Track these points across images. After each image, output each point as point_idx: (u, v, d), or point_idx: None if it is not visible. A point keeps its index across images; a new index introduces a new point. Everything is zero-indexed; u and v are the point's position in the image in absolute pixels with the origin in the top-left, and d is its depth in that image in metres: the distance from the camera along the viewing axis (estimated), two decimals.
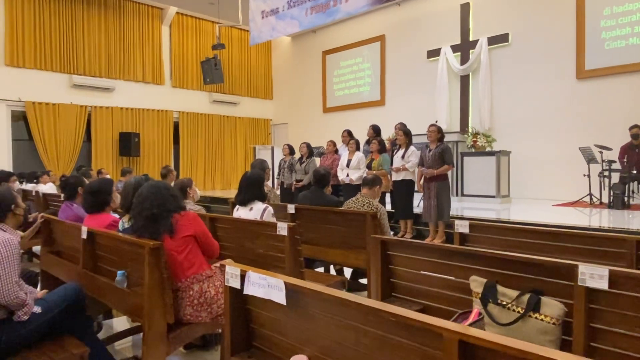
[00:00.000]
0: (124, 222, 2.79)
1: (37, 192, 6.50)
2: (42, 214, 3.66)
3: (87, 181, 3.88)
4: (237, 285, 1.59)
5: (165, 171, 7.50)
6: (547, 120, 8.60)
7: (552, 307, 1.64)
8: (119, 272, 2.46)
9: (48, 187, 7.26)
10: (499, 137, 8.69)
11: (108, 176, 8.53)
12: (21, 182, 7.81)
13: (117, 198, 3.23)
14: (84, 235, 2.79)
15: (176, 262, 2.41)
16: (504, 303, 1.77)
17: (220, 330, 2.67)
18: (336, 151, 7.26)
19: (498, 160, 7.82)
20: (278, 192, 7.67)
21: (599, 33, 8.00)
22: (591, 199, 7.22)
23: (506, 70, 9.16)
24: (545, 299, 1.68)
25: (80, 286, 2.49)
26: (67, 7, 10.33)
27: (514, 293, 1.76)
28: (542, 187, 8.45)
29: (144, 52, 11.57)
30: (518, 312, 1.71)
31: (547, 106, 8.61)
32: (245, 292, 1.56)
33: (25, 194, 6.79)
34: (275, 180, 8.04)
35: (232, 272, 1.61)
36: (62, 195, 4.27)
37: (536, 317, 1.65)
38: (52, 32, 10.11)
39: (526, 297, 1.71)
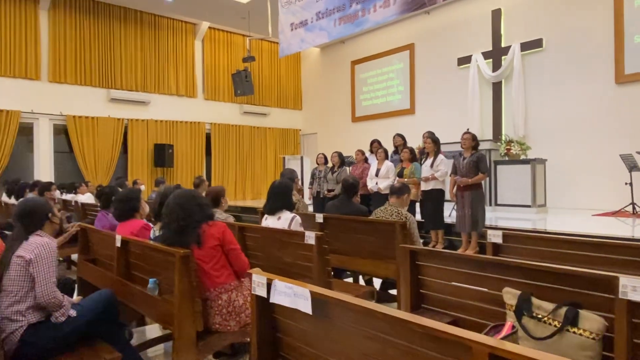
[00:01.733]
0: (155, 231, 2.86)
1: (76, 201, 6.76)
2: (78, 223, 3.79)
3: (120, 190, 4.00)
4: (264, 294, 1.59)
5: (198, 181, 7.66)
6: (584, 126, 8.29)
7: (591, 321, 1.56)
8: (151, 280, 2.51)
9: (86, 197, 7.53)
10: (533, 144, 8.43)
11: (143, 186, 8.80)
12: (61, 192, 8.15)
13: (145, 207, 3.32)
14: (118, 244, 2.87)
15: (204, 272, 2.43)
16: (540, 316, 1.69)
17: (248, 340, 2.68)
18: (365, 160, 7.24)
19: (533, 168, 7.57)
20: (311, 201, 7.70)
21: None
22: (634, 208, 6.88)
23: (540, 76, 8.91)
24: (584, 313, 1.60)
25: (113, 293, 2.56)
26: (105, 25, 10.79)
27: (550, 306, 1.69)
28: (581, 196, 8.12)
29: (177, 67, 11.94)
30: (555, 325, 1.64)
31: (585, 112, 8.30)
32: (271, 300, 1.56)
33: (65, 203, 7.07)
34: (308, 190, 8.06)
35: (258, 281, 1.61)
36: (99, 204, 4.42)
37: (574, 332, 1.57)
38: (91, 49, 10.58)
39: (563, 310, 1.63)
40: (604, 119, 8.05)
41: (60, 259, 5.40)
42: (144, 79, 11.36)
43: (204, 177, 12.22)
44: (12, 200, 6.84)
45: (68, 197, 7.85)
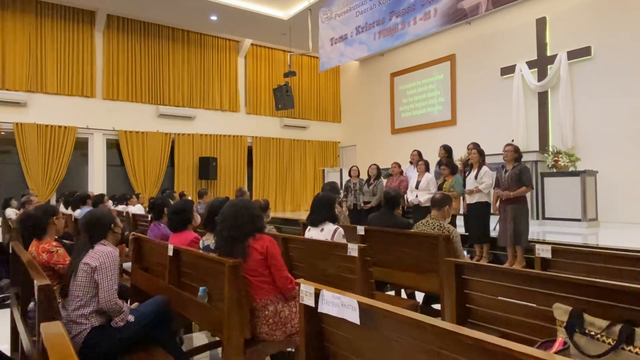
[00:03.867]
0: (204, 241, 2.98)
1: (127, 212, 7.10)
2: (132, 232, 4.00)
3: (171, 202, 4.19)
4: (312, 304, 1.64)
5: (239, 193, 7.87)
6: (638, 137, 7.89)
7: None
8: (201, 288, 2.61)
9: (136, 209, 7.90)
10: (583, 156, 8.11)
11: (189, 198, 9.11)
12: (114, 204, 8.58)
13: (197, 217, 3.46)
14: (170, 253, 3.01)
15: (250, 284, 2.49)
16: (593, 333, 1.65)
17: (293, 349, 2.73)
18: (401, 172, 7.19)
19: (583, 180, 7.27)
20: (347, 213, 7.72)
21: None
22: None
23: (589, 85, 8.59)
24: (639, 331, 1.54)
25: (168, 299, 2.69)
26: (155, 45, 11.38)
27: (603, 323, 1.64)
28: (635, 209, 7.70)
29: (221, 82, 12.38)
30: (609, 343, 1.59)
31: (637, 122, 7.91)
32: (319, 310, 1.60)
33: (117, 214, 7.44)
34: (343, 202, 8.08)
35: (306, 290, 1.66)
36: (150, 215, 4.64)
37: (630, 350, 1.52)
38: (142, 67, 11.17)
39: (618, 327, 1.59)
40: None
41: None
42: (190, 95, 11.86)
43: (246, 188, 12.54)
44: (69, 211, 7.27)
45: (119, 208, 8.25)
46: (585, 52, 8.61)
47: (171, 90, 11.58)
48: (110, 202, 7.93)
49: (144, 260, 3.75)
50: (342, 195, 8.44)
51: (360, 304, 1.46)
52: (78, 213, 6.63)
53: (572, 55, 8.75)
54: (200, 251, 2.88)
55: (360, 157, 13.40)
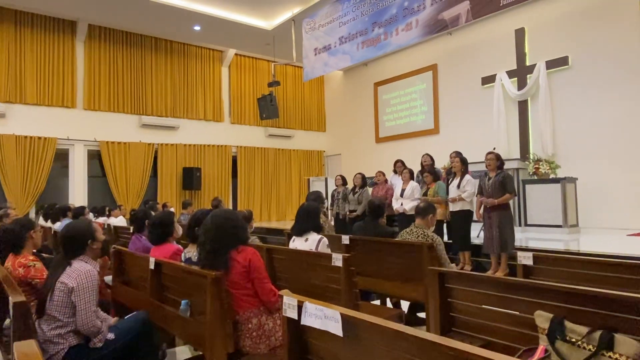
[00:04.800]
0: (185, 253, 2.93)
1: (108, 224, 6.98)
2: (113, 245, 3.93)
3: (153, 214, 4.13)
4: (295, 316, 1.62)
5: (216, 202, 7.81)
6: (615, 144, 8.09)
7: (627, 345, 1.52)
8: (183, 302, 2.57)
9: (118, 220, 7.77)
10: (563, 163, 8.27)
11: (172, 209, 9.01)
12: (94, 216, 8.42)
13: (178, 229, 3.42)
14: (152, 266, 2.96)
15: (233, 297, 2.45)
16: (574, 340, 1.66)
17: None
18: (386, 180, 7.23)
19: (564, 187, 7.41)
20: (332, 222, 7.72)
21: None
22: None
23: (568, 93, 8.79)
24: (619, 337, 1.56)
25: (149, 315, 2.63)
26: (137, 55, 11.30)
27: (583, 329, 1.66)
28: (615, 215, 7.87)
29: (205, 92, 12.33)
30: (589, 350, 1.60)
31: (615, 129, 8.11)
32: (302, 322, 1.59)
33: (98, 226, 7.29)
34: (328, 212, 8.09)
35: (289, 303, 1.65)
36: (132, 228, 4.56)
37: (610, 356, 1.54)
38: (124, 77, 11.06)
39: (598, 334, 1.60)
40: (635, 136, 7.85)
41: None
42: (174, 105, 11.77)
43: (230, 198, 12.45)
44: (49, 224, 7.11)
45: (100, 220, 8.10)
46: (562, 61, 8.83)
47: (154, 100, 11.48)
48: (90, 215, 7.79)
49: (125, 273, 3.68)
50: (328, 204, 8.46)
51: (343, 315, 1.45)
52: (58, 226, 6.49)
53: (550, 64, 8.96)
54: (182, 264, 2.83)
55: (345, 166, 13.45)
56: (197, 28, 10.89)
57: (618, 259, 3.38)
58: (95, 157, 10.94)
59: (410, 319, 4.01)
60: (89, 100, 10.56)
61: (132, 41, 11.26)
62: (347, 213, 7.19)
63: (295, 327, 1.67)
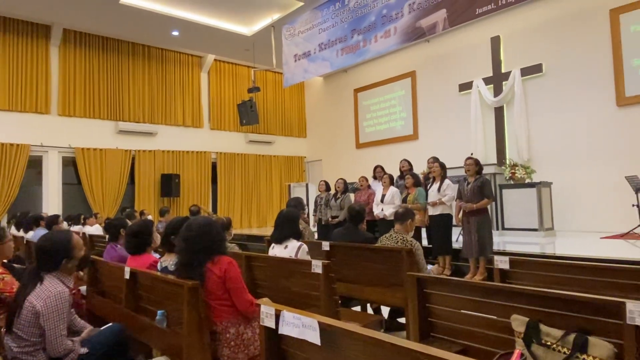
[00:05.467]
0: (162, 262, 2.88)
1: (83, 233, 6.80)
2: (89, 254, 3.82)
3: (130, 223, 4.04)
4: (272, 325, 1.60)
5: (195, 209, 7.72)
6: (588, 149, 8.32)
7: (600, 347, 1.55)
8: (159, 312, 2.51)
9: (94, 229, 7.59)
10: (538, 168, 8.45)
11: (150, 217, 8.85)
12: (69, 225, 8.21)
13: (157, 238, 3.35)
14: (127, 276, 2.89)
15: (210, 307, 2.40)
16: (549, 343, 1.69)
17: None
18: (369, 186, 7.27)
19: (539, 191, 7.57)
20: (315, 228, 7.70)
21: (638, 58, 7.80)
22: None
23: (542, 100, 9.01)
24: (593, 339, 1.59)
25: (123, 327, 2.56)
26: (114, 59, 11.11)
27: (558, 333, 1.68)
28: (589, 218, 8.07)
29: (184, 98, 12.20)
30: (564, 353, 1.63)
31: (588, 135, 8.35)
32: (280, 332, 1.57)
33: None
34: (312, 217, 8.08)
35: (266, 312, 1.62)
36: (107, 237, 4.45)
37: (584, 359, 1.57)
38: (100, 83, 10.86)
39: (572, 337, 1.63)
40: (607, 142, 8.09)
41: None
42: (151, 110, 11.61)
43: (209, 205, 12.31)
44: (21, 234, 6.90)
45: (75, 228, 7.90)
46: (537, 69, 9.05)
47: (131, 106, 11.30)
48: (65, 224, 7.59)
49: (100, 283, 3.59)
50: (311, 210, 8.43)
51: (320, 324, 1.44)
52: (31, 235, 6.31)
53: (525, 72, 9.18)
54: (158, 273, 2.78)
55: (326, 171, 13.47)
56: (175, 33, 10.78)
57: (592, 262, 3.46)
58: (70, 164, 10.69)
59: (391, 325, 4.02)
60: (63, 106, 10.32)
61: (109, 46, 11.07)
62: (330, 219, 7.19)
63: (273, 337, 1.65)
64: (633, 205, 6.87)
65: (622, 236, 6.97)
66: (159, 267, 2.98)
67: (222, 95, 12.98)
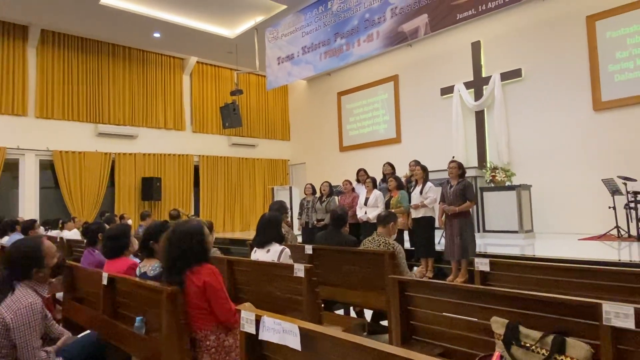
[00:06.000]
0: (140, 268, 2.82)
1: (61, 238, 6.65)
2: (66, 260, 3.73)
3: (107, 227, 3.97)
4: (253, 331, 1.58)
5: (175, 213, 7.63)
6: (566, 152, 8.50)
7: (578, 348, 1.57)
8: (138, 318, 2.47)
9: (72, 234, 7.42)
10: (518, 171, 8.60)
11: (130, 221, 8.71)
12: (46, 229, 8.02)
13: (135, 243, 3.29)
14: (105, 281, 2.83)
15: (190, 315, 2.35)
16: (528, 345, 1.70)
17: None
18: (353, 189, 7.28)
19: (519, 194, 7.69)
20: (300, 232, 7.68)
21: (613, 64, 8.01)
22: (619, 231, 6.99)
23: (521, 104, 9.18)
24: (570, 340, 1.61)
25: (99, 335, 2.50)
26: (93, 61, 10.92)
27: (537, 334, 1.70)
28: (567, 220, 8.23)
29: (165, 100, 12.05)
30: (543, 354, 1.65)
31: (566, 139, 8.53)
32: (260, 337, 1.55)
33: (50, 240, 6.94)
34: (297, 221, 8.05)
35: (247, 317, 1.60)
36: (85, 241, 4.35)
37: (562, 359, 1.59)
38: (79, 84, 10.66)
39: (550, 338, 1.65)
40: (585, 145, 8.27)
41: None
42: (132, 113, 11.44)
43: (192, 209, 12.17)
44: None
45: (52, 233, 7.72)
46: (516, 73, 9.22)
47: (111, 108, 11.11)
48: (41, 229, 7.40)
49: (77, 289, 3.50)
50: (295, 213, 8.40)
51: (301, 329, 1.42)
52: (6, 240, 6.12)
53: (505, 76, 9.34)
54: (137, 279, 2.72)
55: (310, 174, 13.46)
56: (157, 35, 10.66)
57: (570, 264, 3.51)
58: (47, 168, 10.45)
59: (374, 328, 4.02)
60: (41, 108, 10.10)
61: (88, 47, 10.88)
62: (315, 222, 7.18)
63: (253, 343, 1.63)
64: (609, 207, 7.04)
65: (599, 238, 7.13)
66: (137, 273, 2.93)
67: (205, 97, 12.87)
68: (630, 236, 6.84)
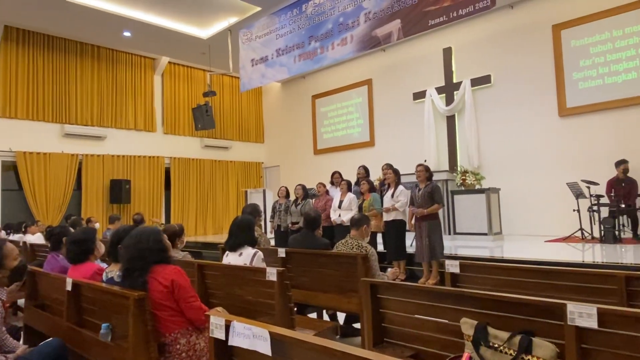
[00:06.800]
0: (107, 273, 2.74)
1: (24, 242, 6.38)
2: (29, 265, 3.58)
3: (72, 230, 3.83)
4: (222, 337, 1.55)
5: (138, 218, 7.47)
6: (533, 157, 8.76)
7: (544, 348, 1.61)
8: (103, 325, 2.39)
9: (36, 238, 7.14)
10: (487, 174, 8.79)
11: (97, 224, 8.46)
12: (8, 233, 7.70)
13: (101, 247, 3.19)
14: (69, 287, 2.73)
15: (157, 318, 2.30)
16: (496, 345, 1.73)
17: None
18: (327, 192, 7.29)
19: (488, 197, 7.87)
20: (272, 235, 7.62)
21: (577, 72, 8.31)
22: (582, 233, 7.24)
23: (490, 109, 9.41)
24: (536, 340, 1.65)
25: (62, 342, 2.41)
26: (60, 59, 10.58)
27: (505, 335, 1.73)
28: (534, 223, 8.48)
29: (136, 101, 11.78)
30: (510, 354, 1.68)
31: (533, 143, 8.79)
32: (230, 343, 1.52)
33: (13, 244, 6.65)
34: (269, 224, 7.99)
35: (216, 323, 1.57)
36: (49, 246, 4.19)
37: (529, 359, 1.62)
38: (45, 83, 10.30)
39: (517, 338, 1.68)
40: (551, 150, 8.55)
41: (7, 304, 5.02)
42: (100, 113, 11.13)
43: (162, 212, 11.93)
44: None
45: (15, 237, 7.41)
46: (486, 80, 9.45)
47: (79, 108, 10.77)
48: (3, 232, 7.10)
49: (39, 296, 3.37)
50: (268, 216, 8.33)
51: (271, 334, 1.40)
52: None
53: (475, 82, 9.56)
54: (103, 284, 2.64)
55: (284, 177, 13.41)
56: (127, 34, 10.41)
57: (536, 265, 3.61)
58: (10, 169, 10.03)
59: (347, 331, 4.03)
60: (4, 107, 9.70)
61: (55, 45, 10.53)
62: (290, 225, 7.14)
63: (223, 348, 1.60)
64: (574, 210, 7.28)
65: (564, 240, 7.37)
66: (104, 278, 2.83)
67: (177, 98, 12.65)
68: (593, 238, 7.09)
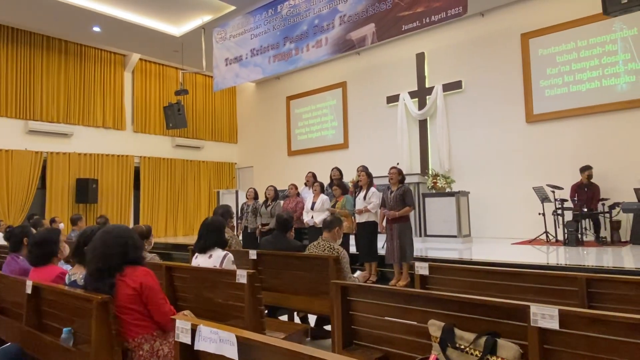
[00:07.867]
0: (70, 275, 2.64)
1: None
2: None
3: (34, 231, 3.68)
4: (188, 341, 1.52)
5: (102, 220, 7.30)
6: (501, 161, 8.99)
7: (508, 349, 1.65)
8: (65, 330, 2.30)
9: None
10: (458, 178, 8.97)
11: (62, 225, 8.18)
12: None
13: (65, 248, 3.08)
14: (29, 290, 2.62)
15: (122, 322, 2.22)
16: (462, 347, 1.76)
17: None
18: (298, 194, 7.28)
19: (458, 200, 8.03)
20: (240, 237, 7.54)
21: (544, 79, 8.59)
22: (547, 236, 7.47)
23: (461, 114, 9.61)
24: (501, 342, 1.68)
25: (21, 348, 2.31)
26: (25, 53, 10.19)
27: (471, 336, 1.76)
28: (501, 226, 8.70)
29: (105, 98, 11.46)
30: (476, 355, 1.71)
31: (501, 148, 9.02)
32: (196, 347, 1.49)
33: None
34: (237, 225, 7.91)
35: (182, 327, 1.54)
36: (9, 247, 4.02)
37: None
38: (8, 77, 9.90)
39: (483, 339, 1.71)
40: (518, 155, 8.80)
41: None
42: (67, 110, 10.77)
43: (131, 212, 11.65)
44: None
45: None
46: (457, 85, 9.65)
47: (44, 104, 10.40)
48: None
49: None
50: (237, 218, 8.24)
51: (238, 338, 1.38)
52: None
53: (447, 87, 9.75)
54: (65, 287, 2.54)
55: (258, 178, 13.31)
56: (96, 29, 10.12)
57: (502, 267, 3.70)
58: None
59: (317, 333, 4.02)
60: None
61: (19, 38, 10.14)
62: (260, 227, 7.09)
63: (188, 353, 1.56)
64: (539, 214, 7.51)
65: (530, 242, 7.59)
66: (67, 281, 2.73)
67: (148, 96, 12.38)
68: (557, 241, 7.33)
